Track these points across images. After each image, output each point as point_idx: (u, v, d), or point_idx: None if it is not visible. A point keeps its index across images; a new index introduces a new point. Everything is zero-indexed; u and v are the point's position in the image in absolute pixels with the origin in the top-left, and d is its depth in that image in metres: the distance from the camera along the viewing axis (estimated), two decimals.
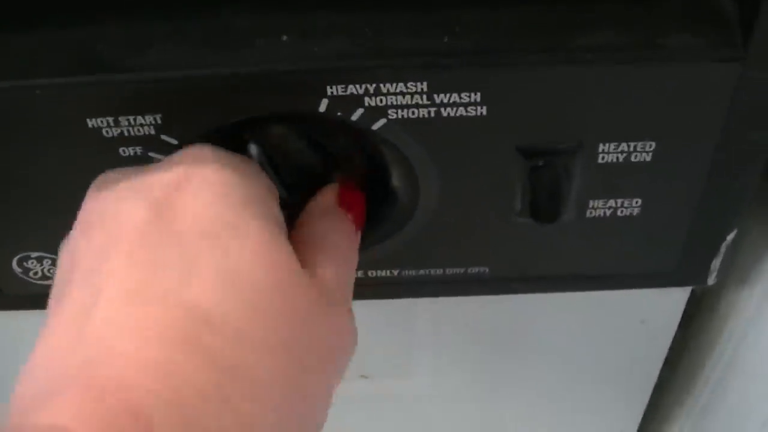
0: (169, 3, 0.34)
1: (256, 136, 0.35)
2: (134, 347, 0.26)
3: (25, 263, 0.41)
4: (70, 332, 0.27)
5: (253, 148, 0.35)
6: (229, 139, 0.34)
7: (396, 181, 0.38)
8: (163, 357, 0.26)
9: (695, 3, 0.33)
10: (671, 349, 0.49)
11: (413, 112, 0.34)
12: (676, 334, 0.48)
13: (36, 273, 0.42)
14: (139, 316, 0.27)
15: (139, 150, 0.36)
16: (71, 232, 0.31)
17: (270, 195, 0.31)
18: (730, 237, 0.40)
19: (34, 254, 0.41)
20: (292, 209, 0.35)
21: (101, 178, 0.32)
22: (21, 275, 0.42)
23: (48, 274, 0.42)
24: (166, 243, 0.28)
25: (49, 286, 0.40)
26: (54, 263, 0.41)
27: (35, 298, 0.42)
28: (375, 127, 0.34)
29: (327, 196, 0.35)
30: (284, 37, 0.33)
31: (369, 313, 0.44)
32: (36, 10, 0.34)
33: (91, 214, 0.31)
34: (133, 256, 0.28)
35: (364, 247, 0.39)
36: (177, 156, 0.32)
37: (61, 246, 0.32)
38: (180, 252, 0.28)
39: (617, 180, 0.37)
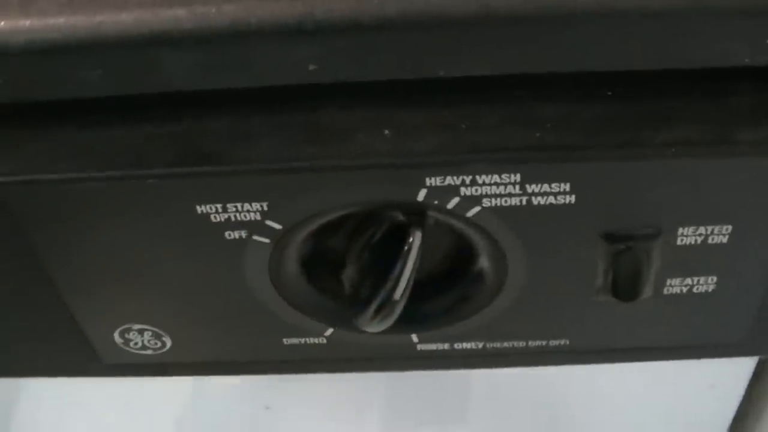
0: (269, 97, 0.36)
1: (414, 222, 0.37)
2: None
3: (126, 335, 0.44)
4: None
5: (418, 236, 0.37)
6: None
7: (485, 262, 0.40)
8: None
9: (765, 96, 0.36)
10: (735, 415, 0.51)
11: (506, 201, 0.36)
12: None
13: (136, 343, 0.44)
14: None
15: (243, 233, 0.38)
16: None
17: None
18: None
19: (136, 326, 0.43)
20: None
21: None
22: (122, 345, 0.44)
23: (147, 345, 0.44)
24: None
25: (146, 356, 0.43)
26: (155, 335, 0.43)
27: (133, 366, 0.45)
28: (469, 214, 0.37)
29: None
30: (386, 132, 0.35)
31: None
32: (143, 106, 0.36)
33: None
34: None
35: (452, 322, 0.41)
36: None
37: None
38: None
39: (694, 260, 0.39)
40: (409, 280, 0.38)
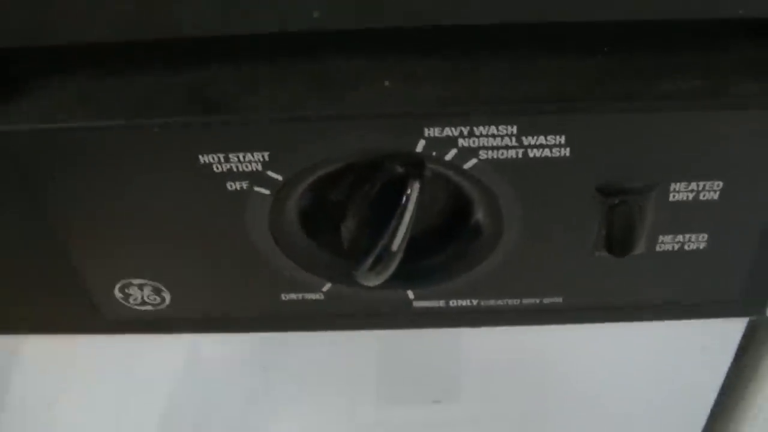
0: (273, 48, 0.37)
1: (412, 174, 0.38)
2: None
3: (126, 290, 0.44)
4: None
5: (416, 187, 0.38)
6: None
7: (480, 216, 0.41)
8: None
9: (761, 50, 0.36)
10: (726, 379, 0.51)
11: (502, 153, 0.37)
12: (731, 364, 0.50)
13: (136, 299, 0.45)
14: None
15: (245, 184, 0.39)
16: None
17: None
18: None
19: (137, 281, 0.44)
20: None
21: None
22: (121, 300, 0.45)
23: (147, 300, 0.45)
24: None
25: (146, 312, 0.44)
26: (154, 290, 0.44)
27: (132, 322, 0.45)
28: (467, 166, 0.37)
29: None
30: (386, 83, 0.36)
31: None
32: (148, 55, 0.37)
33: None
34: None
35: (448, 278, 0.42)
36: None
37: None
38: None
39: (686, 216, 0.40)
40: (406, 232, 0.38)
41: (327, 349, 0.52)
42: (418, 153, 0.37)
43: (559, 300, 0.44)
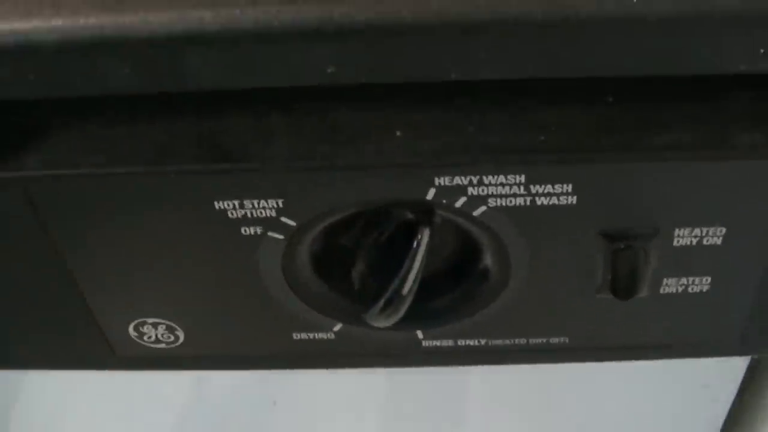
0: (286, 97, 0.38)
1: (422, 220, 0.39)
2: None
3: (141, 328, 0.45)
4: None
5: (426, 233, 0.38)
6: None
7: (489, 259, 0.41)
8: None
9: (763, 101, 0.37)
10: (728, 415, 0.52)
11: (511, 201, 0.38)
12: (733, 401, 0.51)
13: (150, 337, 0.45)
14: None
15: (259, 230, 0.39)
16: None
17: None
18: None
19: (151, 320, 0.45)
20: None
21: None
22: (135, 338, 0.46)
23: (161, 338, 0.45)
24: None
25: (160, 349, 0.45)
26: (168, 329, 0.45)
27: (146, 359, 0.46)
28: (476, 213, 0.38)
29: None
30: (398, 133, 0.37)
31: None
32: (165, 103, 0.38)
33: None
34: None
35: (456, 319, 0.43)
36: None
37: None
38: None
39: (689, 261, 0.41)
40: (416, 277, 0.39)
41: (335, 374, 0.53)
42: (429, 200, 0.38)
43: (565, 340, 0.45)
